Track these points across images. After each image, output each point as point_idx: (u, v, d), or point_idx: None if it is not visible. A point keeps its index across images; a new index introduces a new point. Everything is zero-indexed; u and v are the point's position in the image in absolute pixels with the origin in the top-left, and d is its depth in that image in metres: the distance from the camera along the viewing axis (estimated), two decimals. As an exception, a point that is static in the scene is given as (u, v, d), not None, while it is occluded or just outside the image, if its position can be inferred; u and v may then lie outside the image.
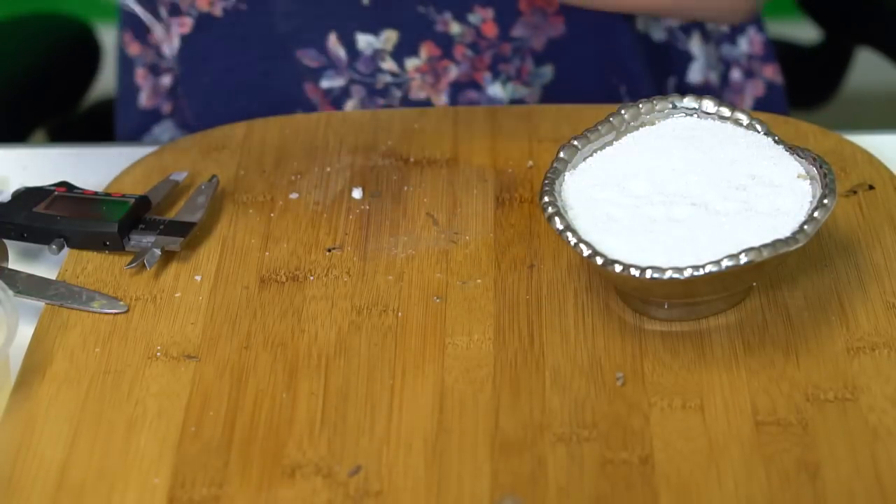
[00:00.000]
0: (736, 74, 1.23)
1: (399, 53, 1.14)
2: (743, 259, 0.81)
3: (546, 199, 0.86)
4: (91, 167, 1.02)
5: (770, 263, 0.83)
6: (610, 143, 0.91)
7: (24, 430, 0.83)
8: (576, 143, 0.90)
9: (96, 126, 1.41)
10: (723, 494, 0.77)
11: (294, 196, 0.98)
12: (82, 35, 1.42)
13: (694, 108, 0.91)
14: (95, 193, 0.97)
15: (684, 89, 1.18)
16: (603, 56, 1.17)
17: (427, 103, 1.15)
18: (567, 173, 0.89)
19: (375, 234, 0.95)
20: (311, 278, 0.92)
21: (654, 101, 0.92)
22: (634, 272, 0.82)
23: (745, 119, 0.91)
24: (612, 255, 0.83)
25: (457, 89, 1.15)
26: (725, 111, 0.91)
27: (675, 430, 0.81)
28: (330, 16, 1.14)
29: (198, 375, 0.85)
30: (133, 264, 0.92)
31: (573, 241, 0.84)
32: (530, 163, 1.00)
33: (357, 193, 0.98)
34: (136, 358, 0.87)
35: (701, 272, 0.81)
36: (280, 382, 0.85)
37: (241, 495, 0.79)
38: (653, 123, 0.92)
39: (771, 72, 1.26)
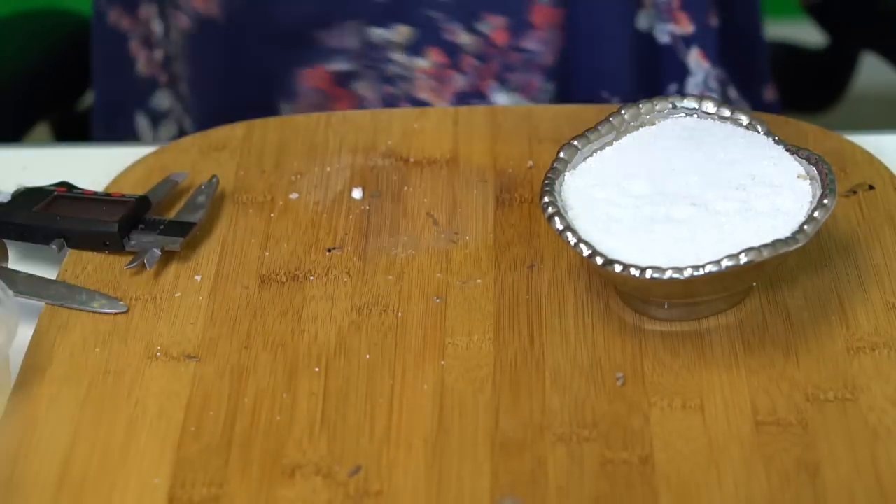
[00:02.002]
0: (733, 94, 1.23)
1: (409, 49, 1.14)
2: (743, 259, 0.81)
3: (546, 199, 0.86)
4: (91, 167, 1.02)
5: (770, 263, 0.83)
6: (610, 143, 0.91)
7: (24, 430, 0.83)
8: (576, 143, 0.90)
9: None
10: (723, 494, 0.77)
11: (294, 196, 0.98)
12: (85, 31, 1.42)
13: (694, 109, 0.91)
14: (95, 193, 0.97)
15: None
16: (597, 70, 1.16)
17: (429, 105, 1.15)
18: (567, 173, 0.89)
19: (375, 234, 0.95)
20: (311, 278, 0.92)
21: (655, 102, 0.91)
22: (634, 272, 0.82)
23: (745, 119, 0.91)
24: (612, 256, 0.83)
25: (461, 99, 1.15)
26: (725, 111, 0.91)
27: (675, 430, 0.81)
28: (343, 6, 1.14)
29: (198, 375, 0.85)
30: (133, 264, 0.92)
31: (573, 241, 0.84)
32: (530, 163, 1.00)
33: (357, 193, 0.98)
34: (136, 358, 0.87)
35: (701, 272, 0.81)
36: (280, 382, 0.85)
37: (241, 495, 0.79)
38: (653, 123, 0.92)
39: (770, 93, 1.26)
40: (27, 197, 0.96)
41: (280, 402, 0.83)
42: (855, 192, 0.96)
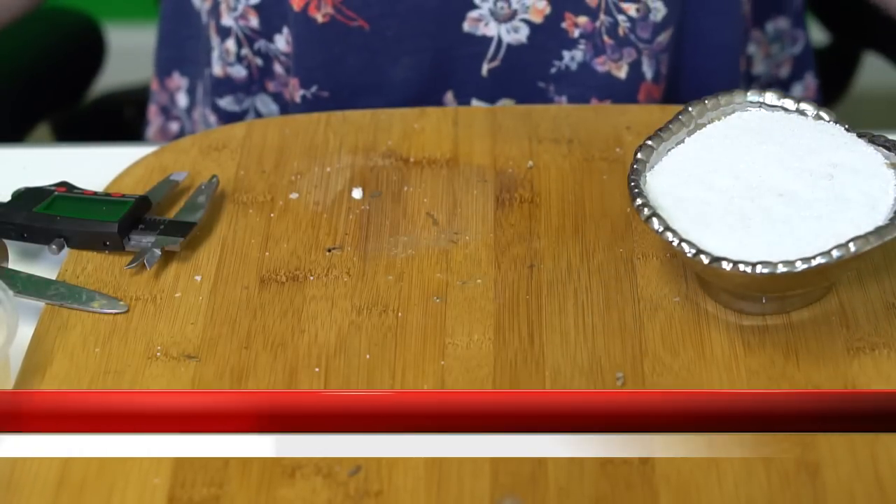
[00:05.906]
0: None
1: None
2: (852, 248, 0.81)
3: (639, 201, 0.85)
4: (91, 167, 1.02)
5: (872, 251, 0.82)
6: (682, 141, 0.90)
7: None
8: (651, 143, 0.89)
9: (101, 121, 1.42)
10: (723, 494, 0.77)
11: (294, 196, 0.98)
12: (86, 29, 1.42)
13: (759, 102, 0.91)
14: (95, 193, 0.97)
15: None
16: None
17: None
18: (647, 174, 0.88)
19: (375, 234, 0.95)
20: (311, 278, 0.92)
21: (720, 97, 0.91)
22: (745, 269, 0.81)
23: (811, 109, 0.90)
24: (716, 253, 0.83)
25: None
26: (790, 103, 0.91)
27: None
28: (448, 80, 1.13)
29: (198, 375, 0.85)
30: (133, 264, 0.92)
31: (675, 241, 0.83)
32: (530, 163, 1.00)
33: (357, 193, 0.98)
34: (136, 358, 0.87)
35: (812, 264, 0.81)
36: (280, 382, 0.85)
37: (241, 495, 0.79)
38: (720, 119, 0.91)
39: None
40: (27, 197, 0.96)
41: (280, 402, 0.83)
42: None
